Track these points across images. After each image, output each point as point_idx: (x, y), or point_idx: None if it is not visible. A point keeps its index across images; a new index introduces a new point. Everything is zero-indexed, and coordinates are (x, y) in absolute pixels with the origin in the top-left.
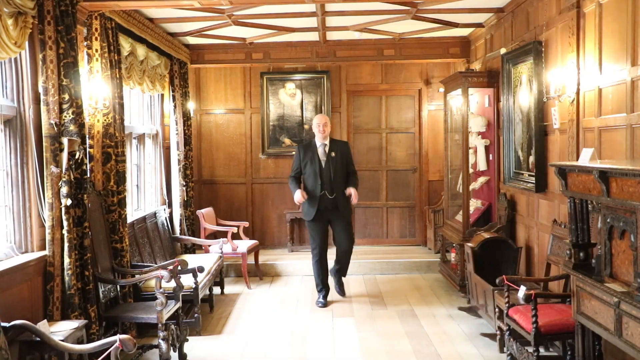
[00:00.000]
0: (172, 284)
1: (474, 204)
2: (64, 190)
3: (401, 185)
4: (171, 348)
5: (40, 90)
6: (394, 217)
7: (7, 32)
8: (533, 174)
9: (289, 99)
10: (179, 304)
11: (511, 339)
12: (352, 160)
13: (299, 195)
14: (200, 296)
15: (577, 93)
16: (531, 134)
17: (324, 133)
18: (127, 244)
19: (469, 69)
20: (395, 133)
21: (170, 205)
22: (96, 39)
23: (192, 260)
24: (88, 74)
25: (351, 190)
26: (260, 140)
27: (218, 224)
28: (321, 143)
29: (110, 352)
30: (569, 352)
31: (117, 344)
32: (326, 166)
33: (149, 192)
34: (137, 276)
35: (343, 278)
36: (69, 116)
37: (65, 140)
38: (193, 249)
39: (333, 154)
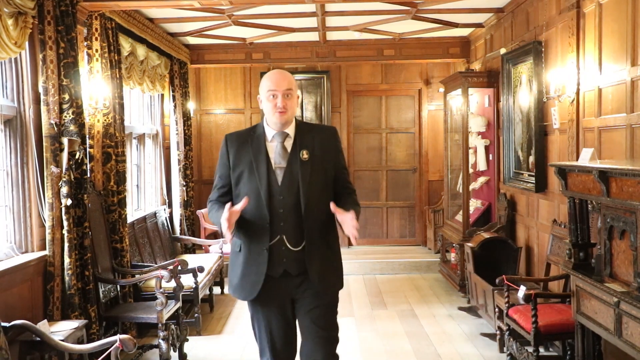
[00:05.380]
0: (172, 283)
1: (474, 204)
2: (64, 190)
3: (401, 185)
4: (171, 348)
5: (41, 90)
6: (394, 217)
7: (7, 32)
8: (533, 174)
9: None
10: (179, 304)
11: (511, 339)
12: (344, 165)
13: (225, 222)
14: (201, 296)
15: (577, 93)
16: (531, 134)
17: (284, 112)
18: (127, 244)
19: (469, 69)
20: (395, 133)
21: (170, 205)
22: (96, 39)
23: (192, 260)
24: (88, 74)
25: (345, 216)
26: None
27: None
28: (277, 132)
29: (110, 352)
30: (568, 352)
31: (117, 343)
32: (286, 180)
33: (149, 192)
34: (137, 276)
35: None
36: (69, 116)
37: (65, 140)
38: (193, 248)
39: (305, 155)
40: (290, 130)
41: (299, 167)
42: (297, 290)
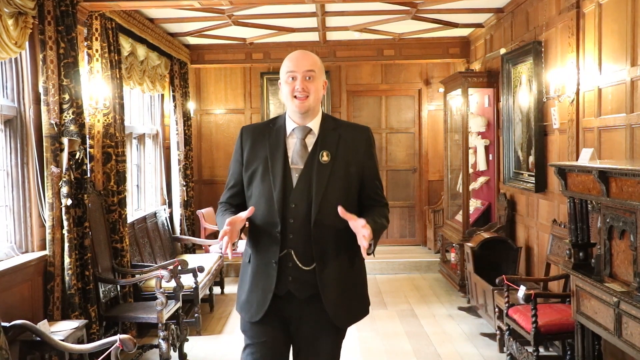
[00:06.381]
0: (172, 283)
1: (474, 204)
2: (64, 190)
3: (401, 185)
4: (171, 348)
5: (41, 90)
6: (394, 217)
7: (8, 32)
8: (533, 174)
9: None
10: (179, 304)
11: (511, 339)
12: (377, 175)
13: (225, 237)
14: (201, 296)
15: (577, 93)
16: (531, 134)
17: (305, 97)
18: (127, 244)
19: (468, 69)
20: (395, 133)
21: (170, 205)
22: (96, 39)
23: (192, 260)
24: (88, 74)
25: (356, 222)
26: None
27: None
28: (298, 126)
29: (110, 352)
30: (568, 352)
31: (117, 343)
32: (301, 185)
33: (149, 192)
34: (137, 276)
35: None
36: (69, 116)
37: (65, 140)
38: (193, 248)
39: (325, 157)
40: (314, 124)
41: (316, 169)
42: (302, 318)
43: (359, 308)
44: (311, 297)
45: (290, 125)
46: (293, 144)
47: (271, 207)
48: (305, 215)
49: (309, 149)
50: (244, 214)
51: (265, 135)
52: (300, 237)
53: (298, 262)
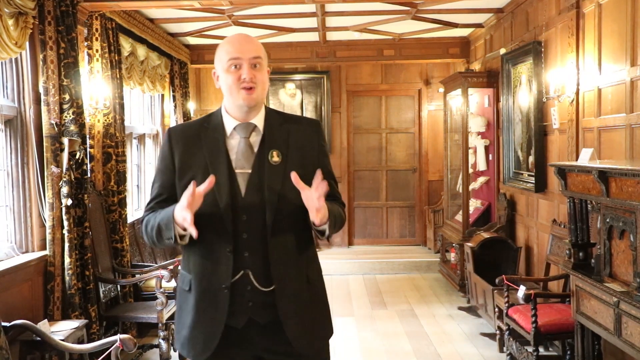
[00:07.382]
0: (173, 283)
1: (474, 204)
2: (65, 190)
3: (401, 185)
4: (171, 348)
5: (41, 90)
6: (394, 217)
7: (8, 33)
8: (532, 174)
9: (289, 99)
10: None
11: (511, 339)
12: (331, 172)
13: (186, 212)
14: None
15: (577, 93)
16: (531, 134)
17: (253, 88)
18: (127, 244)
19: (468, 69)
20: (395, 133)
21: None
22: (97, 39)
23: None
24: (88, 74)
25: (309, 192)
26: None
27: None
28: (239, 123)
29: (110, 352)
30: (568, 352)
31: (117, 343)
32: (251, 193)
33: (149, 192)
34: (137, 276)
35: None
36: (70, 116)
37: (65, 140)
38: None
39: (276, 157)
40: (258, 120)
41: (267, 171)
42: (267, 347)
43: (323, 330)
44: (273, 323)
45: (229, 123)
46: (236, 145)
47: (219, 222)
48: (260, 227)
49: (255, 148)
50: (202, 187)
51: (201, 137)
52: (257, 254)
53: (257, 284)
